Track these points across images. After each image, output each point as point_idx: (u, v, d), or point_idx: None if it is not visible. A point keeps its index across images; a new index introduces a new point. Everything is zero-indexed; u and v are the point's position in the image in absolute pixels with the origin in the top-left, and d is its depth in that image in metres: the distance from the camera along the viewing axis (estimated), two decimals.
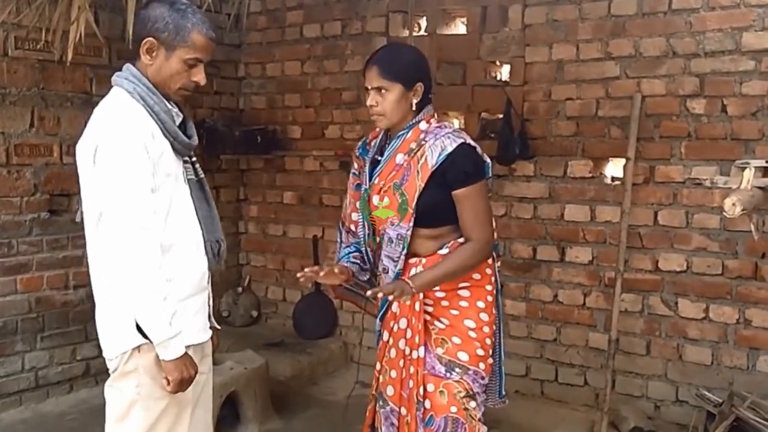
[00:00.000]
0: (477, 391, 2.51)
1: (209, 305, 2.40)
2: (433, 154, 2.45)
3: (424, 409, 2.47)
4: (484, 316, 2.55)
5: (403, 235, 2.52)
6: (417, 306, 2.51)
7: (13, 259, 4.13)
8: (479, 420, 2.51)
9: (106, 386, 2.31)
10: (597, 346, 4.10)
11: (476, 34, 4.42)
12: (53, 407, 4.22)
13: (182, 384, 2.18)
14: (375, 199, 2.57)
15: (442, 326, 2.53)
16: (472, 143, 2.51)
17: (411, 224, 2.50)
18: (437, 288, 2.52)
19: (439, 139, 2.47)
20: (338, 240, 2.87)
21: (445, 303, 2.54)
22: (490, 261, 2.61)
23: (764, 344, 3.68)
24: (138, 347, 2.19)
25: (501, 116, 4.22)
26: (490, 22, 4.37)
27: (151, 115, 2.19)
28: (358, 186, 2.70)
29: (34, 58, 4.12)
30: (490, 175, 2.60)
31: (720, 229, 3.76)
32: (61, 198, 4.32)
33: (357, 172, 2.74)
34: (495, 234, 2.68)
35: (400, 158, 2.52)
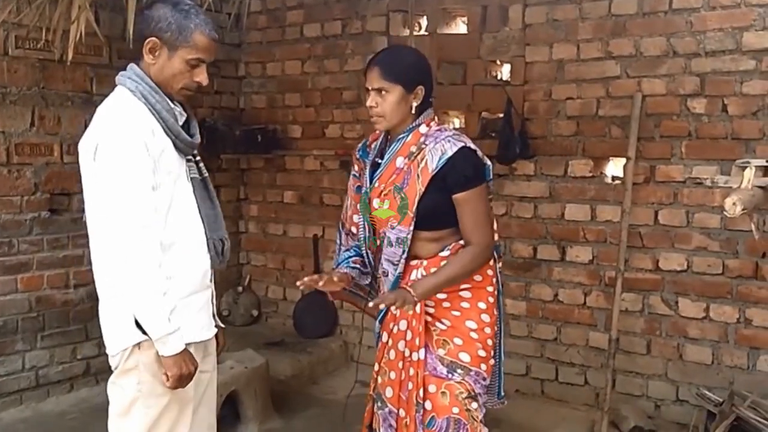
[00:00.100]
0: (479, 392, 2.50)
1: (212, 303, 2.40)
2: (434, 158, 2.44)
3: (425, 410, 2.47)
4: (485, 317, 2.55)
5: (403, 239, 2.51)
6: (417, 308, 2.50)
7: (13, 258, 4.13)
8: (480, 421, 2.51)
9: (108, 383, 2.32)
10: (597, 345, 4.10)
11: (477, 34, 4.42)
12: (54, 406, 4.22)
13: (181, 380, 2.19)
14: (375, 202, 2.57)
15: (443, 327, 2.52)
16: (473, 146, 2.50)
17: (411, 228, 2.49)
18: None
19: (440, 143, 2.46)
20: (338, 242, 2.86)
21: (446, 304, 2.53)
22: (491, 262, 2.61)
23: (765, 344, 3.68)
24: (138, 344, 2.20)
25: (501, 116, 4.22)
26: (490, 22, 4.37)
27: (152, 114, 2.21)
28: (359, 188, 2.70)
29: (35, 57, 4.12)
30: (491, 177, 2.59)
31: (720, 229, 3.76)
32: (61, 197, 4.32)
33: (357, 174, 2.73)
34: (496, 235, 2.68)
35: (400, 161, 2.51)
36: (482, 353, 2.51)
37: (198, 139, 2.35)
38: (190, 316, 2.26)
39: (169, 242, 2.21)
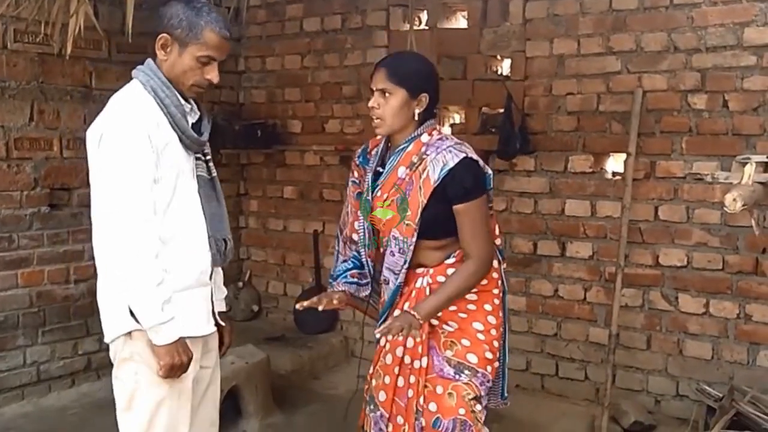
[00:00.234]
0: (483, 394, 2.50)
1: (212, 302, 2.40)
2: (435, 169, 2.43)
3: (429, 411, 2.46)
4: (491, 319, 2.55)
5: (406, 250, 2.51)
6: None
7: (13, 254, 4.12)
8: (483, 423, 2.52)
9: (112, 378, 2.35)
10: (597, 340, 4.11)
11: (477, 29, 4.41)
12: (55, 401, 4.22)
13: (173, 369, 2.20)
14: (378, 212, 2.56)
15: (450, 329, 2.52)
16: (474, 156, 2.48)
17: (414, 239, 2.48)
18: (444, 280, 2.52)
19: (441, 153, 2.44)
20: (336, 250, 2.85)
21: (453, 307, 2.52)
22: (496, 264, 2.61)
23: (764, 339, 3.69)
24: (130, 333, 2.23)
25: (502, 111, 4.21)
26: (490, 17, 4.36)
27: (160, 107, 2.23)
28: (359, 194, 2.68)
29: (34, 51, 4.11)
30: (492, 186, 2.57)
31: (721, 225, 3.76)
32: (61, 192, 4.31)
33: (357, 181, 2.71)
34: (498, 240, 2.69)
35: (401, 171, 2.50)
36: (489, 355, 2.51)
37: (206, 137, 2.36)
38: (185, 311, 2.26)
39: (169, 236, 2.23)
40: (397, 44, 4.64)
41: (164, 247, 2.21)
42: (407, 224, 2.48)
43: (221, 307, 2.55)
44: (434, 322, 2.52)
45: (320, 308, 2.53)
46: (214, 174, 2.44)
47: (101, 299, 2.30)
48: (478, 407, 2.47)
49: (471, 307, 2.53)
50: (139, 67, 2.32)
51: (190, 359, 2.25)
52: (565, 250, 4.21)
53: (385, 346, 2.61)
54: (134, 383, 2.27)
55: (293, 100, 5.24)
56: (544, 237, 4.27)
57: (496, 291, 2.60)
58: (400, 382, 2.53)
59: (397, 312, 2.59)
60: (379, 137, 2.64)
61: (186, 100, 2.32)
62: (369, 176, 2.61)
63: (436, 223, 2.47)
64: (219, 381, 2.57)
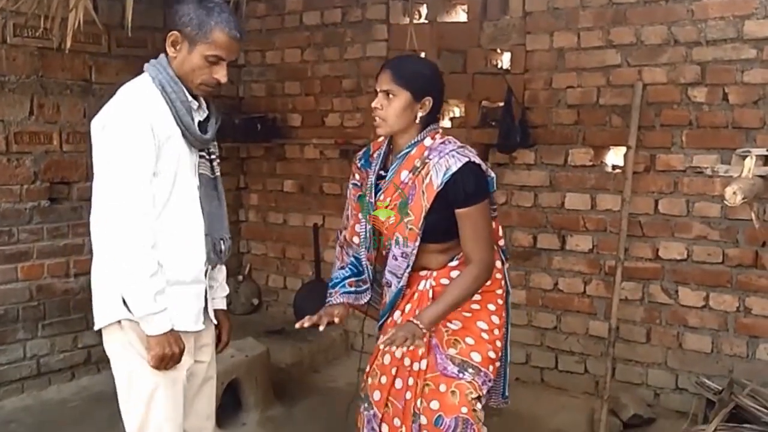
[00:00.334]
0: (484, 393, 2.50)
1: (205, 299, 2.40)
2: (438, 174, 2.41)
3: (431, 410, 2.44)
4: (495, 319, 2.55)
5: (408, 254, 2.51)
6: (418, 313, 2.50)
7: (13, 247, 4.13)
8: (482, 422, 2.52)
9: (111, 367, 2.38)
10: (597, 334, 4.11)
11: (477, 22, 4.40)
12: (55, 394, 4.23)
13: (164, 360, 2.21)
14: (379, 212, 2.55)
15: (454, 327, 2.51)
16: (477, 160, 2.46)
17: (416, 243, 2.48)
18: (448, 283, 2.51)
19: (444, 158, 2.43)
20: (335, 256, 2.83)
21: None
22: (499, 265, 2.61)
23: (764, 332, 3.69)
24: (119, 322, 2.24)
25: (502, 104, 4.21)
26: (490, 10, 4.35)
27: (166, 102, 2.24)
28: (360, 197, 2.67)
29: (33, 45, 4.11)
30: (495, 188, 2.56)
31: (721, 218, 3.76)
32: (61, 186, 4.31)
33: (359, 183, 2.69)
34: (502, 241, 2.69)
35: (404, 175, 2.49)
36: (492, 354, 2.51)
37: (210, 136, 2.36)
38: (180, 305, 2.27)
39: (165, 230, 2.23)
40: (397, 38, 4.64)
41: (160, 240, 2.21)
42: (410, 228, 2.47)
43: (221, 305, 2.55)
44: None
45: (321, 328, 2.52)
46: (218, 174, 2.44)
47: (95, 284, 2.32)
48: (479, 406, 2.47)
49: (475, 306, 2.53)
50: (151, 60, 2.33)
51: (182, 350, 2.25)
52: (565, 243, 4.21)
53: (380, 341, 2.62)
54: (128, 373, 2.30)
55: (293, 93, 5.24)
56: (544, 230, 4.27)
57: (499, 291, 2.60)
58: (398, 383, 2.52)
59: (397, 313, 2.60)
60: (381, 139, 2.62)
61: (195, 97, 2.33)
62: (372, 179, 2.59)
63: (439, 227, 2.47)
64: (215, 377, 2.57)
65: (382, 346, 2.37)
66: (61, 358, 4.35)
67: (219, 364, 2.93)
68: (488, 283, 2.53)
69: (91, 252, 2.32)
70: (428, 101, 2.47)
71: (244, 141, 5.24)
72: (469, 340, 2.49)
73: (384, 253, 2.63)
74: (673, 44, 3.80)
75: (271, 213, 5.45)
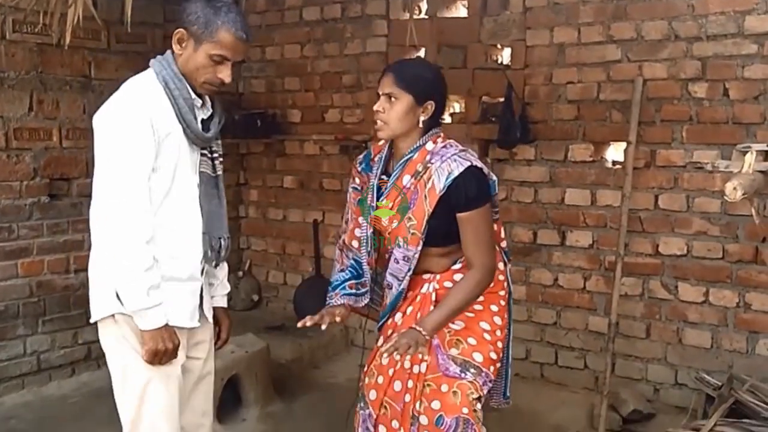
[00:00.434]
0: (484, 394, 2.49)
1: (200, 297, 2.39)
2: (440, 179, 2.41)
3: (432, 410, 2.44)
4: (497, 320, 2.55)
5: (410, 258, 2.50)
6: (420, 317, 2.50)
7: (13, 244, 4.12)
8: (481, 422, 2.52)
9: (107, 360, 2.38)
10: (597, 329, 4.12)
11: (477, 17, 4.40)
12: (55, 390, 4.24)
13: (157, 355, 2.21)
14: (384, 221, 2.55)
15: (457, 327, 2.51)
16: (479, 164, 2.46)
17: (419, 248, 2.48)
18: (451, 286, 2.51)
19: (446, 162, 2.42)
20: (335, 259, 2.82)
21: None
22: (502, 267, 2.61)
23: (764, 328, 3.69)
24: (113, 316, 2.25)
25: (502, 100, 4.21)
26: (490, 5, 4.35)
27: (169, 98, 2.24)
28: (360, 201, 2.66)
29: (32, 41, 4.10)
30: (497, 191, 2.56)
31: (721, 213, 3.76)
32: (60, 182, 4.31)
33: (359, 188, 2.69)
34: (504, 242, 2.69)
35: (406, 180, 2.48)
36: (493, 355, 2.51)
37: (212, 135, 2.35)
38: (174, 301, 2.27)
39: (162, 226, 2.23)
40: (397, 33, 4.63)
41: (156, 236, 2.21)
42: (412, 233, 2.47)
43: (222, 303, 2.55)
44: None
45: (323, 327, 2.53)
46: (219, 173, 2.43)
47: (91, 277, 2.32)
48: (479, 406, 2.47)
49: (478, 307, 2.53)
50: (157, 56, 2.33)
51: (176, 346, 2.25)
52: (565, 239, 4.21)
53: (381, 346, 2.61)
54: (123, 367, 2.31)
55: (293, 89, 5.23)
56: (544, 226, 4.27)
57: (502, 293, 2.61)
58: (397, 386, 2.52)
59: (398, 315, 2.60)
60: (381, 143, 2.61)
61: (199, 95, 2.32)
62: (374, 182, 2.58)
63: (441, 231, 2.46)
64: (213, 374, 2.57)
65: (385, 356, 2.36)
66: (61, 354, 4.35)
67: (219, 360, 2.94)
68: (491, 285, 2.53)
69: (91, 247, 2.32)
70: (430, 105, 2.47)
71: (243, 137, 5.24)
72: (472, 341, 2.49)
73: (386, 256, 2.62)
74: (673, 39, 3.80)
75: (271, 209, 5.45)
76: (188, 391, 2.45)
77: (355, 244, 2.69)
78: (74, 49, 4.12)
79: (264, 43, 5.32)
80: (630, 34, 3.91)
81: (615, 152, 4.12)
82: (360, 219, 2.65)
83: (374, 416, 2.57)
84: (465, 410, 2.40)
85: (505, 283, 2.63)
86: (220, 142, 2.46)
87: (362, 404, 2.63)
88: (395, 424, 2.52)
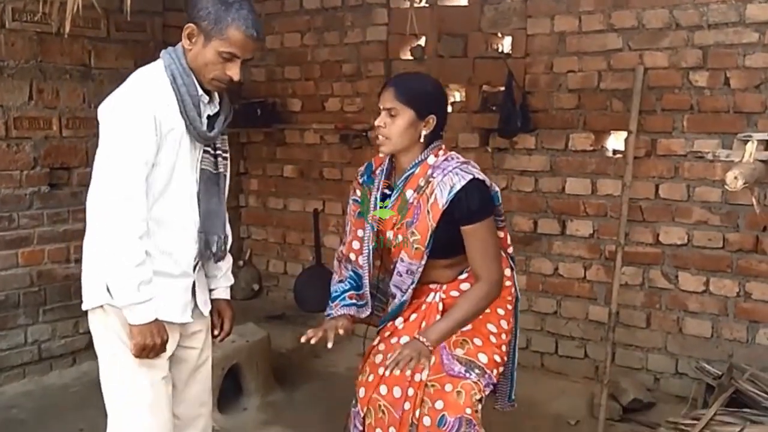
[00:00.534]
0: (485, 395, 2.49)
1: (193, 293, 2.38)
2: (443, 193, 2.40)
3: (435, 410, 2.42)
4: (503, 324, 2.56)
5: (414, 271, 2.50)
6: (424, 326, 2.49)
7: (13, 233, 4.13)
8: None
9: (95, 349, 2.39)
10: (597, 318, 4.12)
11: (477, 6, 4.38)
12: (56, 380, 4.25)
13: (145, 349, 2.20)
14: (389, 234, 2.54)
15: (464, 328, 2.50)
16: (481, 176, 2.45)
17: (423, 262, 2.47)
18: (458, 295, 2.52)
19: (448, 176, 2.41)
20: (334, 270, 2.80)
21: None
22: (508, 272, 2.61)
23: (764, 317, 3.70)
24: (102, 307, 2.24)
25: (502, 89, 4.19)
26: None
27: (175, 92, 2.21)
28: (360, 214, 2.64)
29: (32, 30, 4.09)
30: (500, 201, 2.55)
31: (721, 203, 3.75)
32: (61, 171, 4.31)
33: (360, 200, 2.67)
34: (511, 248, 2.69)
35: (409, 194, 2.48)
36: (497, 358, 2.51)
37: (215, 134, 2.32)
38: (166, 296, 2.26)
39: (157, 220, 2.22)
40: (397, 22, 4.62)
41: (151, 231, 2.20)
42: (416, 248, 2.46)
43: (225, 294, 2.54)
44: None
45: (329, 345, 2.50)
46: (221, 170, 2.40)
47: (84, 266, 2.31)
48: (479, 407, 2.47)
49: (485, 309, 2.53)
50: (168, 48, 2.30)
51: (165, 341, 2.24)
52: (566, 228, 4.21)
53: (378, 345, 2.61)
54: (111, 357, 2.31)
55: (293, 78, 5.22)
56: (545, 215, 4.26)
57: (509, 297, 2.62)
58: (397, 392, 2.49)
59: (399, 320, 2.59)
60: (382, 155, 2.60)
61: (207, 92, 2.29)
62: (377, 195, 2.57)
63: (448, 245, 2.46)
64: (210, 363, 2.55)
65: (387, 371, 2.33)
66: (62, 343, 4.36)
67: (220, 349, 2.94)
68: (498, 296, 2.53)
69: None
70: (432, 119, 2.46)
71: (243, 126, 5.22)
72: (477, 341, 2.49)
73: (391, 267, 2.61)
74: (674, 28, 3.78)
75: (271, 198, 5.45)
76: (184, 381, 2.45)
77: (352, 256, 2.67)
78: (74, 38, 4.12)
79: (264, 32, 5.29)
80: (631, 23, 3.89)
81: (615, 141, 4.11)
82: (359, 232, 2.64)
83: (362, 414, 2.56)
84: (468, 411, 2.39)
85: (513, 288, 2.64)
86: (226, 138, 2.43)
87: (354, 401, 2.63)
88: (392, 430, 2.49)
